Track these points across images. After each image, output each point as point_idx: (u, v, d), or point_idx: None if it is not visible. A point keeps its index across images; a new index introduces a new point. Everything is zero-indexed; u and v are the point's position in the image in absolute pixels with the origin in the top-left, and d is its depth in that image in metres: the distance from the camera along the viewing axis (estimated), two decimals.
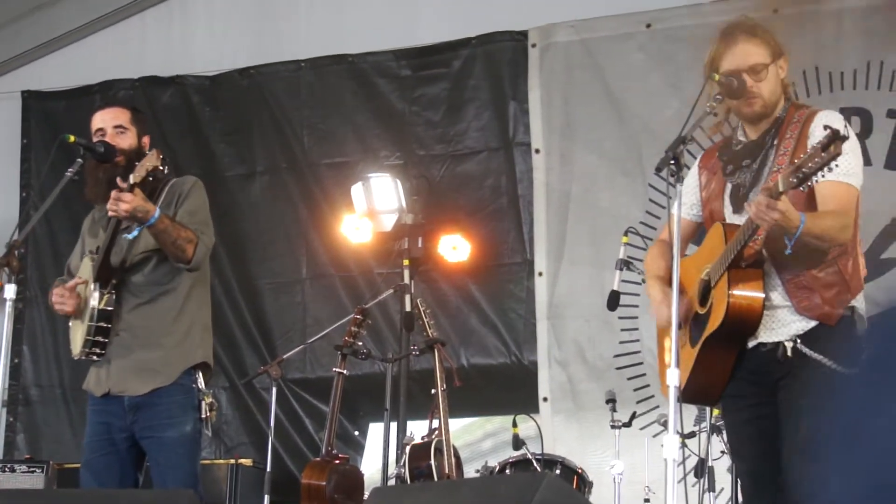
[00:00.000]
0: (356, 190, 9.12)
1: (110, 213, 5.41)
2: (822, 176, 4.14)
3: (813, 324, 4.47)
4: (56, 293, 5.64)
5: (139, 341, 5.59)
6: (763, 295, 4.46)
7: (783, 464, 4.44)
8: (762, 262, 4.51)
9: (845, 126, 4.30)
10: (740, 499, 5.81)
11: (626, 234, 7.32)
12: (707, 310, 4.59)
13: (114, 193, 5.37)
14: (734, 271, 4.47)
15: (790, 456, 4.40)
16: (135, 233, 5.48)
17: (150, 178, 5.39)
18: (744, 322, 4.48)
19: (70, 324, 5.81)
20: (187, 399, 5.64)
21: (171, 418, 5.59)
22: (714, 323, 4.51)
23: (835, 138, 4.00)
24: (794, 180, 4.10)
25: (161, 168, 5.38)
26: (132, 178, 5.37)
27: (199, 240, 5.62)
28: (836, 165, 4.18)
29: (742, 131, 4.75)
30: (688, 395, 4.58)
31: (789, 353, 4.46)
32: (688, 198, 4.85)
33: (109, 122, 5.73)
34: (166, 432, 5.57)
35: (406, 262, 8.57)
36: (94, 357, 5.62)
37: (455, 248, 8.96)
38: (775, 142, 4.60)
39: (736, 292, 4.44)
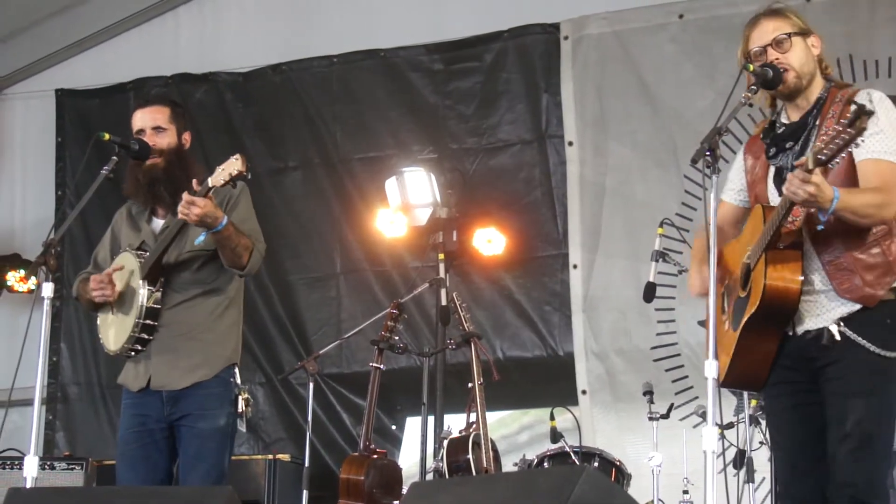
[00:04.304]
0: (390, 184, 9.13)
1: (180, 216, 5.34)
2: (854, 148, 4.11)
3: (856, 307, 4.40)
4: (95, 280, 5.55)
5: (181, 337, 5.58)
6: (801, 277, 4.40)
7: (829, 450, 4.40)
8: (801, 243, 4.46)
9: (877, 99, 4.33)
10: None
11: (661, 225, 7.26)
12: (747, 293, 4.55)
13: (186, 197, 5.31)
14: (772, 253, 4.41)
15: (838, 442, 4.37)
16: (201, 238, 5.45)
17: (233, 185, 5.36)
18: (781, 304, 4.42)
19: (100, 318, 5.74)
20: (224, 393, 5.64)
21: (206, 409, 5.58)
22: (752, 306, 4.46)
23: (861, 113, 3.98)
24: (823, 157, 4.07)
25: (246, 174, 5.32)
26: (210, 182, 5.35)
27: (254, 247, 5.62)
28: (876, 142, 4.15)
29: (785, 114, 4.71)
30: (731, 380, 4.57)
31: (837, 337, 4.41)
32: (734, 183, 4.84)
33: (149, 123, 5.70)
34: (198, 423, 5.56)
35: (441, 255, 8.59)
36: (133, 353, 5.61)
37: (490, 242, 8.97)
38: (817, 122, 4.55)
39: (773, 274, 4.39)
